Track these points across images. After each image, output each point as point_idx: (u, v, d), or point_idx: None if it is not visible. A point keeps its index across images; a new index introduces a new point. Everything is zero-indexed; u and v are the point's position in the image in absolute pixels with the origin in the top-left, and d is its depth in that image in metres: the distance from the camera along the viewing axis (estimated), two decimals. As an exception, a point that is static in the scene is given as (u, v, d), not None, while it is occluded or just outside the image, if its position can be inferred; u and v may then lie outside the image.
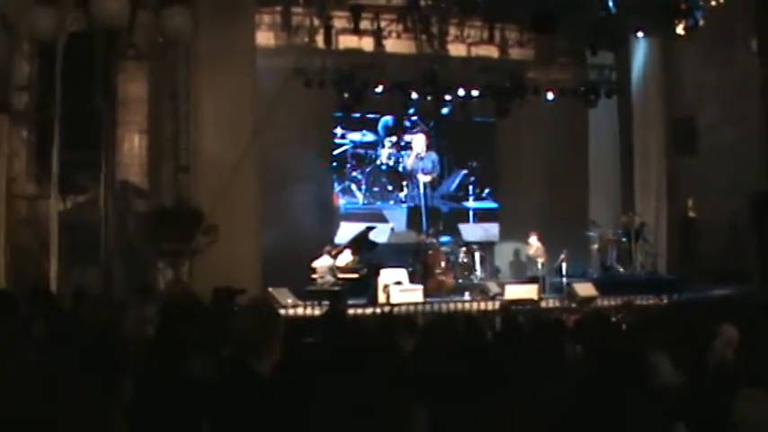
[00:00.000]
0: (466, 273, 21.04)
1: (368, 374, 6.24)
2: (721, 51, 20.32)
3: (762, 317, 8.69)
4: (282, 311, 15.21)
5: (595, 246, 21.94)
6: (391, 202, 22.95)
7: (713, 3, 19.80)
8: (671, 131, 22.29)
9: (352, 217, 21.90)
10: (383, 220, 22.28)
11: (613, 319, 11.40)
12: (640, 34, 22.01)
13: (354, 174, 22.66)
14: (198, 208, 14.09)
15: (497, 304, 16.90)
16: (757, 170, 19.26)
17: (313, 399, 5.25)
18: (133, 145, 15.09)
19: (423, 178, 22.68)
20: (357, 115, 22.09)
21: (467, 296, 19.08)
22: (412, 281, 18.68)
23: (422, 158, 22.83)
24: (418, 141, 22.89)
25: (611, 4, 18.89)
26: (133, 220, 14.49)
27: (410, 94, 21.04)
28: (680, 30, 20.12)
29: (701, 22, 19.82)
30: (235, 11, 15.10)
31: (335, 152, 22.31)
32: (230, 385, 4.03)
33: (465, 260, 21.25)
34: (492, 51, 22.45)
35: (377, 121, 22.80)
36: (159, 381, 4.58)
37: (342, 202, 22.35)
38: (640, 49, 22.65)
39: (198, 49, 14.76)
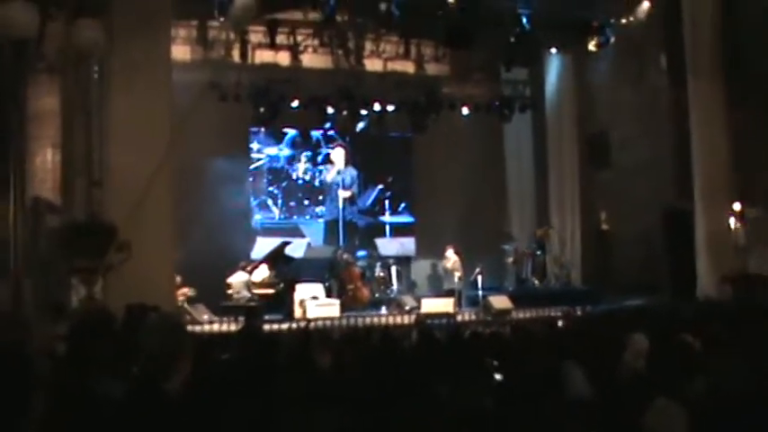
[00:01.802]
0: (382, 287, 21.08)
1: (282, 391, 6.22)
2: (632, 68, 20.76)
3: (671, 327, 8.87)
4: (198, 328, 15.11)
5: (511, 259, 22.19)
6: (308, 217, 22.92)
7: (624, 21, 20.21)
8: (584, 146, 22.67)
9: (268, 232, 21.81)
10: (300, 234, 22.24)
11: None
12: (554, 50, 22.38)
13: (271, 188, 22.59)
14: (111, 223, 13.86)
15: (413, 318, 16.96)
16: (669, 185, 19.65)
17: (226, 416, 5.21)
18: (46, 159, 14.77)
19: (342, 193, 22.70)
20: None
21: (383, 310, 19.16)
22: (328, 295, 18.72)
23: (341, 173, 22.87)
24: (338, 156, 22.92)
25: (524, 20, 19.13)
26: (45, 236, 14.19)
27: (326, 109, 21.04)
28: (592, 46, 20.51)
29: (613, 39, 20.21)
30: (150, 24, 14.90)
31: (252, 167, 22.22)
32: (139, 403, 3.97)
33: (381, 274, 21.30)
34: (408, 67, 22.59)
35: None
36: (68, 399, 4.49)
37: (258, 217, 22.24)
38: (553, 65, 23.05)
39: (111, 63, 14.53)
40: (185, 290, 16.85)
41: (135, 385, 4.11)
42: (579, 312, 16.97)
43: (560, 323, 13.23)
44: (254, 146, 22.35)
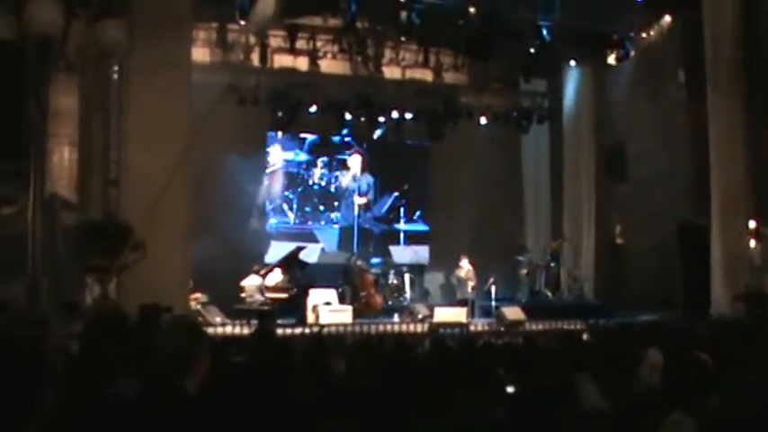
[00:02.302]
0: (395, 294, 21.07)
1: (295, 394, 6.21)
2: (651, 81, 20.71)
3: (686, 344, 8.84)
4: (211, 330, 15.09)
5: (524, 270, 22.15)
6: (322, 223, 22.94)
7: (644, 35, 20.21)
8: (601, 159, 22.62)
9: (282, 236, 21.83)
10: (314, 240, 22.27)
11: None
12: (573, 63, 22.37)
13: (286, 193, 22.61)
14: (127, 223, 13.87)
15: (426, 326, 16.96)
16: (684, 199, 19.59)
17: (238, 418, 5.21)
18: (62, 157, 14.81)
19: (358, 200, 22.72)
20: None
21: (396, 318, 19.11)
22: (341, 302, 18.66)
23: (357, 180, 22.89)
24: (354, 162, 22.95)
25: (545, 32, 19.14)
26: (61, 234, 14.21)
27: (344, 115, 21.07)
28: (611, 60, 20.54)
29: (632, 53, 20.20)
30: (171, 26, 14.91)
31: (268, 171, 22.23)
32: (156, 403, 3.96)
33: (395, 282, 21.29)
34: (426, 75, 22.60)
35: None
36: (83, 398, 4.50)
37: (273, 221, 22.26)
38: (572, 78, 23.03)
39: (131, 63, 14.56)
40: (197, 295, 16.84)
41: (151, 385, 4.10)
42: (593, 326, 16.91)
43: (585, 336, 13.20)
44: (271, 150, 22.36)
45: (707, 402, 5.72)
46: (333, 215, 23.04)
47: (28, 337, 6.11)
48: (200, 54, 19.02)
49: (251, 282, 17.73)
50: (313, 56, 20.70)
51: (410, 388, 6.59)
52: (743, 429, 5.37)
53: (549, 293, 21.88)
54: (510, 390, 7.19)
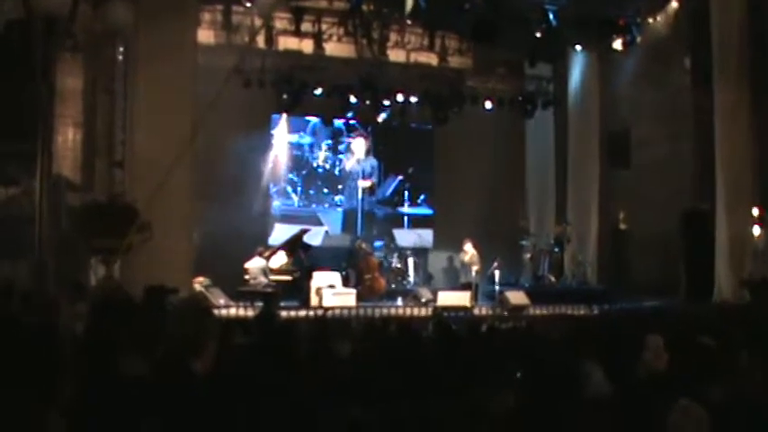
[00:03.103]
0: (399, 278, 21.10)
1: (300, 377, 6.23)
2: (656, 68, 20.62)
3: (691, 329, 8.85)
4: (215, 312, 15.06)
5: (528, 255, 22.14)
6: (326, 205, 22.93)
7: (650, 20, 20.13)
8: (605, 144, 22.56)
9: (286, 219, 21.83)
10: (318, 222, 22.27)
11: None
12: (579, 48, 22.26)
13: (291, 175, 22.59)
14: (132, 205, 13.88)
15: (430, 310, 16.97)
16: (688, 186, 19.55)
17: (246, 400, 5.22)
18: (67, 138, 14.83)
19: (362, 183, 22.71)
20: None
21: (399, 301, 19.13)
22: (345, 284, 18.68)
23: (361, 163, 22.89)
24: (358, 145, 22.93)
25: (551, 16, 19.07)
26: (66, 215, 14.22)
27: (349, 98, 21.04)
28: (617, 45, 20.43)
29: (639, 39, 20.12)
30: (176, 8, 14.89)
31: (272, 153, 22.21)
32: (167, 385, 3.98)
33: (398, 265, 21.30)
34: (431, 59, 22.53)
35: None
36: (91, 379, 4.51)
37: (277, 203, 22.26)
38: (578, 63, 22.92)
39: (137, 45, 14.56)
40: (200, 278, 16.83)
41: (160, 366, 4.11)
42: (597, 311, 16.93)
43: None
44: (276, 132, 22.33)
45: (713, 388, 5.73)
46: (337, 198, 23.04)
47: (38, 319, 6.13)
48: (205, 36, 19.02)
49: (255, 264, 17.73)
50: (318, 38, 20.62)
51: (417, 371, 6.60)
52: (747, 415, 5.38)
53: (553, 278, 21.88)
54: (516, 375, 7.20)
